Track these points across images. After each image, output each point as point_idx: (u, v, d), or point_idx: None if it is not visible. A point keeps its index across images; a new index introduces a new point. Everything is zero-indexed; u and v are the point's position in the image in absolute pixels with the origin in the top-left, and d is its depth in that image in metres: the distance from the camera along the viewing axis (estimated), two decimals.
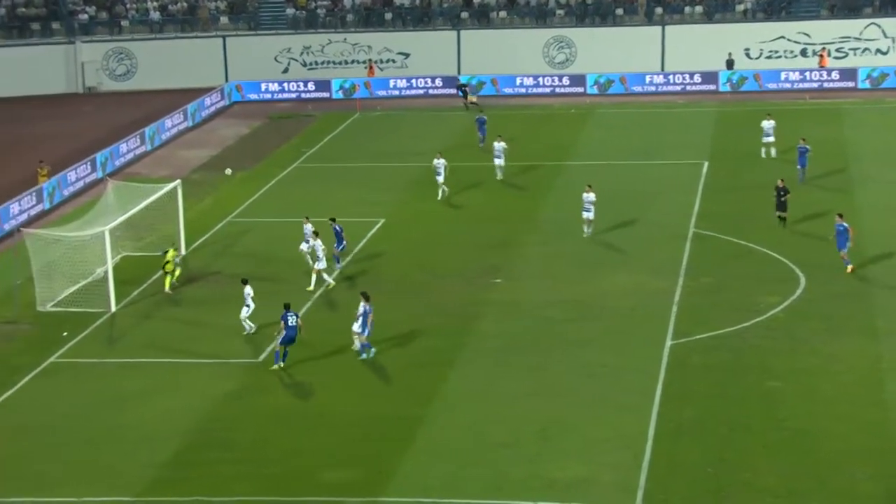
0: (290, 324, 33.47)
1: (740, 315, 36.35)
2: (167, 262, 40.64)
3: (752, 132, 57.94)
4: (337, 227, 41.49)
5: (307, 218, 42.45)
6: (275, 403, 32.06)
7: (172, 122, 63.87)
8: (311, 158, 58.62)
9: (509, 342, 35.42)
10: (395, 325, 37.10)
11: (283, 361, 33.52)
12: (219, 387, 33.18)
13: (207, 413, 31.62)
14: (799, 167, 48.20)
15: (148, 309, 39.57)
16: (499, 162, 50.93)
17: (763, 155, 51.64)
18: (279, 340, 33.67)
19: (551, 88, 69.31)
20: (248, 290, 36.52)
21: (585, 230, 43.06)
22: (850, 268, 38.94)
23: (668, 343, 34.83)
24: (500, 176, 50.94)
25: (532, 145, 58.40)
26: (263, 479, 28.10)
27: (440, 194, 48.90)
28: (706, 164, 53.57)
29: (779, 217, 43.30)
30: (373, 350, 34.18)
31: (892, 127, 58.40)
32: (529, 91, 69.45)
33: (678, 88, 67.98)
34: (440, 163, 49.25)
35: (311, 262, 40.22)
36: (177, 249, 42.01)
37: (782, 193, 43.36)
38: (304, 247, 41.10)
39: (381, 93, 70.52)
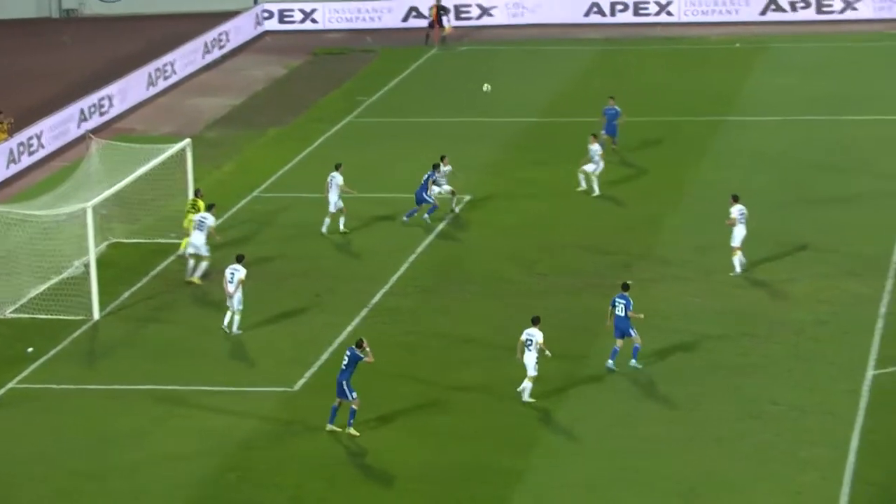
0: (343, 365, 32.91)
1: None
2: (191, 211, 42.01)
3: None
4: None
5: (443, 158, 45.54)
6: (315, 449, 32.21)
7: (179, 59, 64.57)
8: (370, 111, 58.90)
9: (643, 368, 35.22)
10: (482, 341, 37.11)
11: (332, 422, 32.89)
12: (240, 425, 33.41)
13: (223, 461, 31.80)
14: None
15: (143, 316, 39.99)
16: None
17: None
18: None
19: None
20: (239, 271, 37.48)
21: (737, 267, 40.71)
22: None
23: (871, 373, 34.41)
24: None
25: (678, 94, 58.06)
26: None
27: (585, 184, 47.12)
28: None
29: None
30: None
31: None
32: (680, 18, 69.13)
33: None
34: (594, 149, 47.00)
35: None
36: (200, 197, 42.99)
37: None
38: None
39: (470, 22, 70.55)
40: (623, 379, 34.60)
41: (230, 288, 37.76)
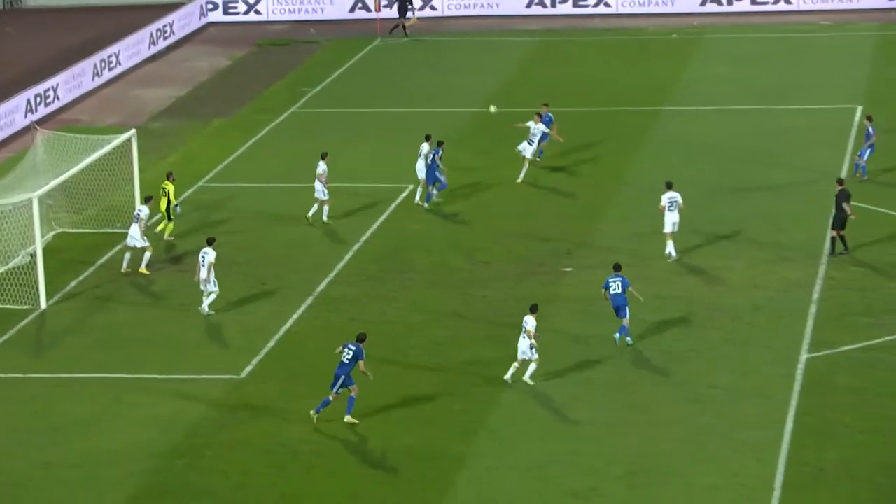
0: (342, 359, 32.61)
1: None
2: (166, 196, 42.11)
3: None
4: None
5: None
6: (265, 436, 32.25)
7: (124, 50, 64.28)
8: (314, 101, 58.85)
9: (584, 353, 35.47)
10: (428, 329, 37.30)
11: (318, 412, 32.62)
12: (187, 413, 33.40)
13: (171, 448, 31.82)
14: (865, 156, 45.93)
15: (90, 305, 39.93)
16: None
17: None
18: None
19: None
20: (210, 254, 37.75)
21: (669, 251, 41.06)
22: None
23: (804, 357, 34.77)
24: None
25: (616, 85, 58.32)
26: None
27: (522, 174, 47.55)
28: (860, 109, 53.36)
29: (833, 239, 40.15)
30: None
31: None
32: (618, 9, 69.40)
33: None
34: (537, 129, 47.28)
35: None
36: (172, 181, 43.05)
37: (840, 199, 39.95)
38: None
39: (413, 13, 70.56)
40: (563, 365, 34.80)
41: (202, 272, 37.78)
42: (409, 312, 38.35)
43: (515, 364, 33.81)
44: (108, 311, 39.46)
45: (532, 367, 33.66)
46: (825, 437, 31.15)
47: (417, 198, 45.80)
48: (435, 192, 45.49)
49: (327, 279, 40.61)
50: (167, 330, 38.03)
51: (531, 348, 33.58)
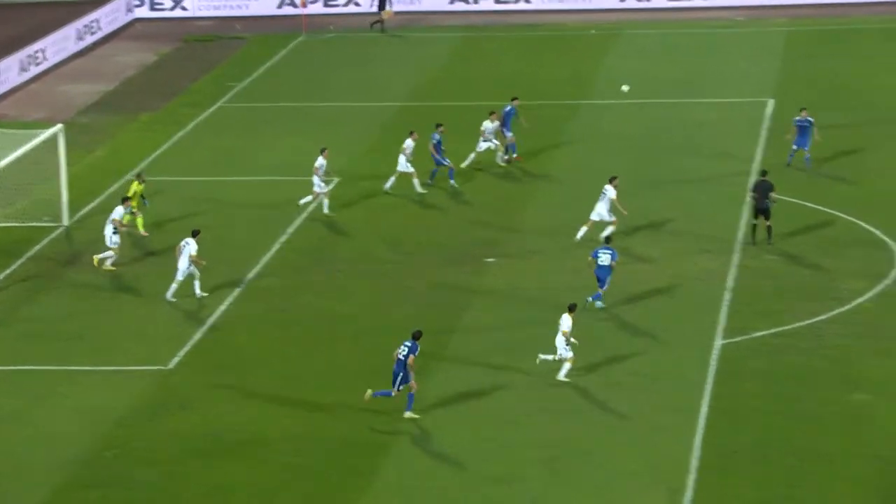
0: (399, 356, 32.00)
1: (815, 305, 36.71)
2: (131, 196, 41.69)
3: (833, 59, 58.33)
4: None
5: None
6: (189, 426, 32.16)
7: (51, 46, 63.67)
8: (240, 96, 58.63)
9: (505, 341, 35.62)
10: (352, 319, 37.31)
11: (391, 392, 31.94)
12: (114, 403, 33.22)
13: (100, 439, 31.64)
14: (796, 147, 46.07)
15: (18, 297, 39.59)
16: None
17: None
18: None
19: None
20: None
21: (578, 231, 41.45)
22: None
23: (719, 342, 35.11)
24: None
25: (537, 79, 58.53)
26: None
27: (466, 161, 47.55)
28: (771, 102, 53.85)
29: (754, 226, 40.61)
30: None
31: None
32: (538, 6, 69.61)
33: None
34: (491, 128, 47.21)
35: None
36: (141, 182, 42.57)
37: (764, 190, 40.11)
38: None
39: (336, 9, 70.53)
40: (483, 352, 34.92)
41: (180, 260, 37.82)
42: (337, 303, 38.36)
43: (552, 357, 33.37)
44: (36, 304, 39.18)
45: (567, 365, 33.41)
46: (738, 421, 31.51)
47: (388, 185, 45.73)
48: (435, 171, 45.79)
49: (254, 270, 40.51)
50: (95, 322, 37.82)
51: (567, 347, 33.33)
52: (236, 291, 39.18)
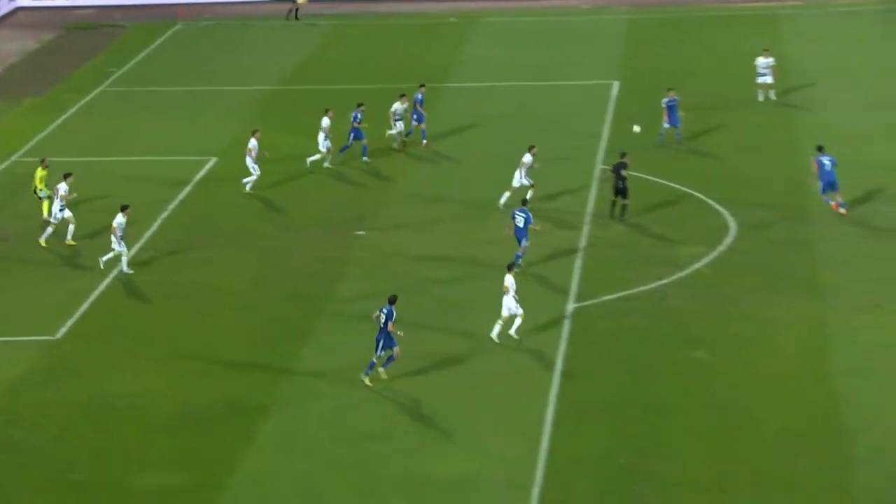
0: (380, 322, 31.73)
1: (658, 271, 37.37)
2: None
3: (671, 45, 59.32)
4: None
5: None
6: (79, 392, 31.95)
7: None
8: (120, 81, 57.92)
9: (377, 307, 35.70)
10: (233, 291, 37.24)
11: (367, 374, 31.94)
12: (4, 373, 32.89)
13: None
14: (668, 125, 46.33)
15: None
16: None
17: (760, 98, 50.40)
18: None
19: None
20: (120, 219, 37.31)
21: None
22: (843, 211, 40.27)
23: (571, 307, 35.62)
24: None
25: (400, 64, 58.62)
26: (67, 488, 28.09)
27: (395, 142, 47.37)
28: (616, 84, 54.52)
29: (613, 202, 40.77)
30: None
31: (842, 36, 60.02)
32: None
33: None
34: (401, 109, 47.00)
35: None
36: (45, 167, 41.79)
37: (622, 171, 40.39)
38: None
39: None
40: (358, 319, 35.02)
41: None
42: (217, 276, 38.22)
43: (500, 322, 33.57)
44: None
45: (517, 321, 33.57)
46: (590, 379, 32.06)
47: (327, 163, 45.58)
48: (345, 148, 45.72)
49: (137, 246, 40.16)
50: None
51: (517, 305, 33.38)
52: (121, 265, 38.79)
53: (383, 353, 31.72)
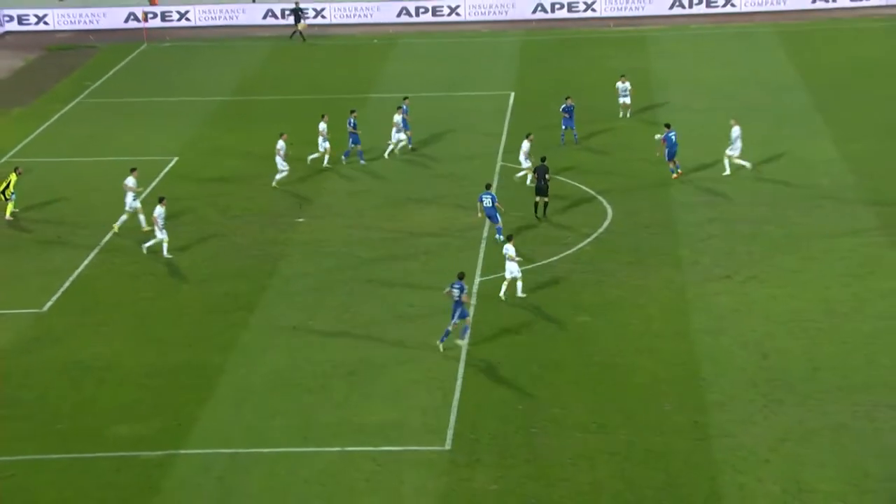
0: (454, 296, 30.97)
1: (549, 249, 37.38)
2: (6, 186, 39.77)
3: (559, 61, 59.52)
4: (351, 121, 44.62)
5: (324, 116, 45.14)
6: (61, 356, 31.46)
7: None
8: (95, 93, 56.92)
9: (314, 283, 35.51)
10: (192, 269, 36.77)
11: (442, 341, 31.13)
12: None
13: None
14: (564, 128, 46.38)
15: None
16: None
17: (620, 115, 49.87)
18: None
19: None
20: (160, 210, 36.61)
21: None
22: (677, 173, 41.99)
23: (477, 280, 35.57)
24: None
25: (334, 78, 58.24)
26: (50, 437, 27.66)
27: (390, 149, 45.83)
28: (512, 94, 54.50)
29: (536, 203, 39.38)
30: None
31: (700, 54, 60.48)
32: (331, 20, 69.09)
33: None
34: (399, 119, 45.67)
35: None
36: (17, 173, 40.66)
37: (542, 172, 39.18)
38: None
39: (173, 23, 68.88)
40: (298, 293, 34.72)
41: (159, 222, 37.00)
42: (177, 257, 37.65)
43: (505, 283, 33.52)
44: None
45: (520, 283, 33.51)
46: (495, 341, 32.00)
47: (326, 163, 44.66)
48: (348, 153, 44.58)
49: (111, 233, 39.46)
50: None
51: (518, 269, 33.20)
52: (96, 249, 38.13)
53: (458, 321, 31.14)
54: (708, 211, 40.15)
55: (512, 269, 33.67)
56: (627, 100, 50.34)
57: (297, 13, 66.11)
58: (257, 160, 46.18)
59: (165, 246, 37.28)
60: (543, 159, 40.80)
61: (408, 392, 29.31)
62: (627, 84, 50.42)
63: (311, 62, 61.75)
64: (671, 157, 42.55)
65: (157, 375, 30.41)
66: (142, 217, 39.40)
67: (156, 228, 37.10)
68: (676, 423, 27.79)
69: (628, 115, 50.34)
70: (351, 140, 45.21)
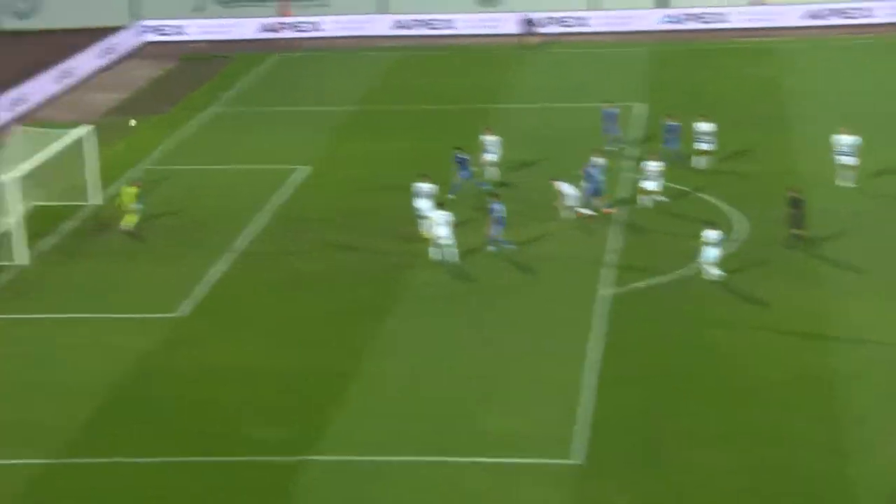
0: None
1: (678, 262, 36.62)
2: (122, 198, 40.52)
3: (690, 70, 58.56)
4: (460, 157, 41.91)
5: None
6: (196, 359, 31.89)
7: (80, 64, 62.56)
8: (228, 102, 57.87)
9: (443, 292, 35.40)
10: (323, 275, 36.97)
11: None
12: (136, 343, 32.86)
13: (125, 370, 31.34)
14: (664, 145, 43.84)
15: (61, 262, 38.91)
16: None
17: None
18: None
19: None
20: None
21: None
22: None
23: (605, 292, 34.96)
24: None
25: (458, 88, 58.15)
26: (186, 438, 28.03)
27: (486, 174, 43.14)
28: (639, 104, 53.74)
29: (793, 235, 36.69)
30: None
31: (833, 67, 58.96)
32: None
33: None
34: (492, 140, 43.18)
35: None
36: (139, 187, 41.32)
37: (798, 205, 36.50)
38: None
39: (305, 33, 69.82)
40: (424, 302, 34.49)
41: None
42: (311, 263, 37.88)
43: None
44: (75, 268, 38.50)
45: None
46: (625, 352, 31.34)
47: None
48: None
49: (244, 238, 39.94)
50: (123, 280, 37.23)
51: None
52: (234, 255, 38.65)
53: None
54: (844, 223, 39.06)
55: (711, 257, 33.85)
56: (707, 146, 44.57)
57: (529, 24, 65.56)
58: (387, 167, 46.20)
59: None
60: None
61: (536, 403, 29.00)
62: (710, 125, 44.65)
63: (433, 73, 61.62)
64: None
65: (290, 380, 30.62)
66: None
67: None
68: (812, 438, 27.05)
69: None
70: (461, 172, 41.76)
